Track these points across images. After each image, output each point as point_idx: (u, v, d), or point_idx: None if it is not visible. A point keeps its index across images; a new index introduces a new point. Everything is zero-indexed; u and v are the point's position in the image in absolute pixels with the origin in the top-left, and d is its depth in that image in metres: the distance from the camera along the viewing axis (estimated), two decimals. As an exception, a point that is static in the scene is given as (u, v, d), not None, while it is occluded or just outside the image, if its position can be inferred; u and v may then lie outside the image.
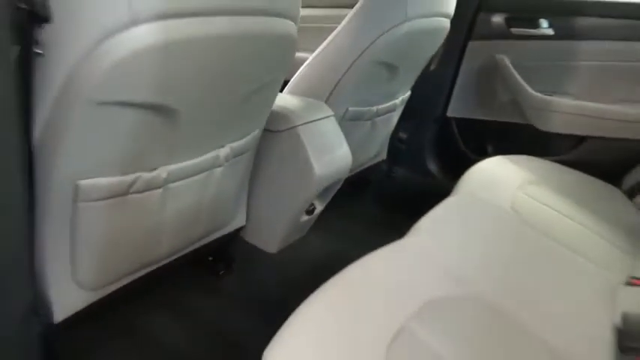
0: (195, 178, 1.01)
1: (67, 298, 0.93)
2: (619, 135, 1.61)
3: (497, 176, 1.38)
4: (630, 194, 1.47)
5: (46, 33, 0.64)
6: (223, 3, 0.77)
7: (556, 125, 1.68)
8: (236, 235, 1.37)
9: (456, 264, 0.94)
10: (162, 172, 0.92)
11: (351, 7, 1.36)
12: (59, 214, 0.82)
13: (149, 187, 0.91)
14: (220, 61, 0.82)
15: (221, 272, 1.37)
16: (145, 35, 0.68)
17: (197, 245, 1.21)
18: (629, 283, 1.05)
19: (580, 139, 1.68)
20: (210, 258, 1.40)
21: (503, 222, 1.16)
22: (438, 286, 0.87)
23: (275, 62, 0.97)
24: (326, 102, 1.40)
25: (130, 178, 0.86)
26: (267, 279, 1.39)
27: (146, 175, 0.89)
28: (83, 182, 0.80)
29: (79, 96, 0.70)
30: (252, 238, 1.40)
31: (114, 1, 0.65)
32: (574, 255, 1.10)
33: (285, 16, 0.91)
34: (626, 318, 0.90)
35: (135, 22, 0.67)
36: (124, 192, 0.87)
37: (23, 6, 0.57)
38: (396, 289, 0.84)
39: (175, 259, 1.17)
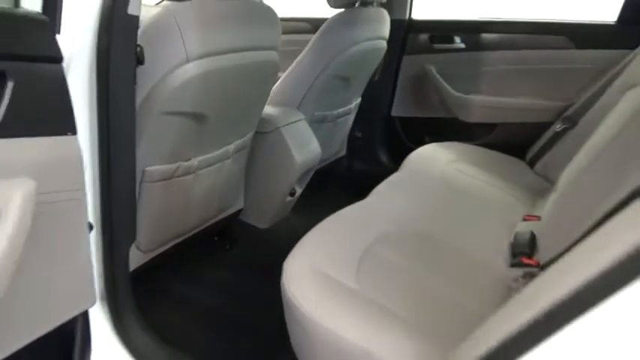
0: (214, 166, 1.39)
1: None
2: (521, 120, 2.10)
3: (431, 157, 1.83)
4: (531, 164, 1.96)
5: (139, 69, 1.02)
6: (237, 44, 1.17)
7: (474, 116, 2.16)
8: (236, 217, 1.75)
9: (401, 211, 1.37)
10: (194, 162, 1.30)
11: (313, 32, 1.79)
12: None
13: (186, 172, 1.29)
14: (236, 82, 1.22)
15: (227, 247, 1.75)
16: (193, 68, 1.07)
17: (211, 222, 1.59)
18: (524, 219, 1.51)
19: (493, 126, 2.16)
20: (216, 238, 1.77)
21: (434, 186, 1.60)
22: (390, 224, 1.29)
23: (266, 81, 1.38)
24: (297, 108, 1.81)
25: (174, 165, 1.24)
26: (262, 249, 1.77)
27: (184, 164, 1.27)
28: (149, 168, 1.17)
29: (152, 108, 1.08)
30: (249, 217, 1.78)
31: (176, 49, 1.04)
32: (486, 204, 1.55)
33: (272, 49, 1.32)
34: (515, 235, 1.35)
35: (188, 61, 1.06)
36: (170, 176, 1.25)
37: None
38: (363, 226, 1.25)
39: (194, 235, 1.54)
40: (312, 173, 1.83)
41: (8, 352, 0.63)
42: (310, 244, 1.13)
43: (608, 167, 1.14)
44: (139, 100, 1.06)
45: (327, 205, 1.76)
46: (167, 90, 1.06)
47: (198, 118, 1.19)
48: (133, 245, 1.29)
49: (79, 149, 0.69)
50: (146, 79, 1.04)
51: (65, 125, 0.66)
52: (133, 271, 1.32)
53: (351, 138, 2.34)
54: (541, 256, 1.22)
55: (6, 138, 0.57)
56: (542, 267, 1.02)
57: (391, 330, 0.91)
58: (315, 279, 1.02)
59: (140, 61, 0.98)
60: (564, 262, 0.70)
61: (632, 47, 1.75)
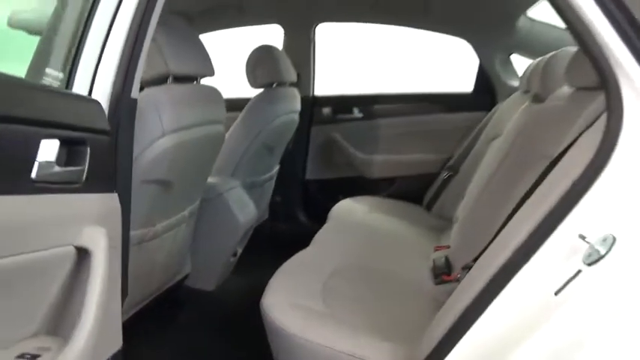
0: (173, 231, 1.52)
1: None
2: (415, 172, 2.52)
3: (350, 209, 2.15)
4: (427, 207, 2.36)
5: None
6: (198, 119, 1.38)
7: (377, 173, 2.54)
8: (183, 282, 1.85)
9: (343, 251, 1.62)
10: (159, 227, 1.42)
11: (240, 109, 2.05)
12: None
13: (154, 237, 1.40)
14: (197, 152, 1.41)
15: (176, 311, 1.82)
16: (168, 141, 1.25)
17: (165, 288, 1.67)
18: (435, 249, 1.84)
19: (393, 180, 2.56)
20: (167, 305, 1.83)
21: (360, 230, 1.90)
22: (337, 262, 1.53)
23: (217, 150, 1.59)
24: (231, 175, 2.01)
25: (145, 230, 1.36)
26: (212, 309, 1.87)
27: (152, 229, 1.39)
28: (126, 233, 1.28)
29: (134, 176, 1.22)
30: (195, 281, 1.88)
31: (155, 125, 1.21)
32: (403, 241, 1.88)
33: (220, 122, 1.54)
34: (434, 261, 1.66)
35: (164, 134, 1.24)
36: (142, 240, 1.36)
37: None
38: (317, 265, 1.47)
39: (150, 301, 1.61)
40: (250, 234, 2.01)
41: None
42: (279, 284, 1.32)
43: (496, 193, 1.52)
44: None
45: (260, 263, 1.96)
46: (147, 160, 1.22)
47: (167, 185, 1.35)
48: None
49: (119, 204, 0.83)
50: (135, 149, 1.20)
51: (113, 184, 0.81)
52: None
53: (272, 202, 2.57)
54: (456, 272, 1.54)
55: (89, 193, 0.70)
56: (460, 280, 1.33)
57: (366, 337, 1.12)
58: (292, 308, 1.21)
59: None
60: (475, 266, 1.01)
61: (487, 109, 2.28)
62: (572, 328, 0.81)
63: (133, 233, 1.29)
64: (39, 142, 0.66)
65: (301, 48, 2.52)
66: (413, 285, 1.53)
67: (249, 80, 2.05)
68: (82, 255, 0.70)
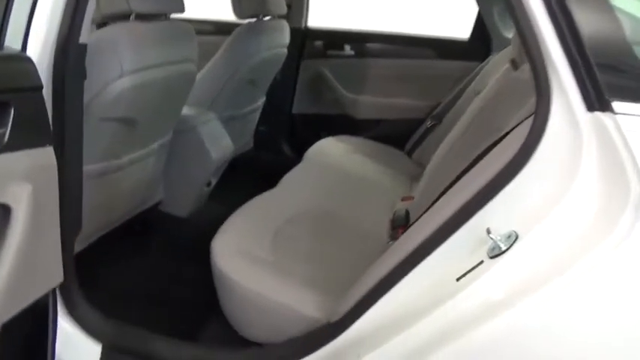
0: (141, 163, 1.57)
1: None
2: (400, 117, 2.50)
3: (328, 149, 2.16)
4: (409, 154, 2.37)
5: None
6: (162, 59, 1.37)
7: (362, 113, 2.53)
8: (156, 207, 1.93)
9: (306, 196, 1.67)
10: (124, 160, 1.47)
11: (215, 34, 2.00)
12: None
13: (117, 169, 1.46)
14: (161, 91, 1.42)
15: (148, 234, 1.92)
16: (127, 81, 1.26)
17: (134, 213, 1.75)
18: (402, 200, 1.89)
19: (377, 122, 2.55)
20: (139, 228, 1.93)
21: (331, 173, 1.93)
22: (298, 207, 1.58)
23: (185, 89, 1.59)
24: (208, 108, 2.02)
25: (107, 164, 1.41)
26: (183, 235, 1.97)
27: (115, 162, 1.44)
28: (85, 167, 1.33)
29: (91, 115, 1.24)
30: (168, 207, 1.96)
31: (114, 66, 1.21)
32: (374, 187, 1.91)
33: (190, 61, 1.53)
34: (395, 212, 1.71)
35: (122, 75, 1.24)
36: (104, 173, 1.41)
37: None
38: (275, 210, 1.53)
39: (119, 226, 1.70)
40: (225, 165, 2.06)
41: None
42: (232, 227, 1.39)
43: (458, 154, 1.53)
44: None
45: (240, 192, 2.01)
46: (104, 100, 1.24)
47: (129, 122, 1.38)
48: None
49: (54, 157, 0.87)
50: (87, 91, 1.21)
51: (46, 138, 0.84)
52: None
53: (257, 132, 2.59)
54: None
55: (14, 151, 0.74)
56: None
57: (299, 288, 1.20)
58: (239, 254, 1.28)
59: (84, 76, 1.15)
60: (404, 236, 1.05)
61: (481, 60, 2.21)
62: (467, 314, 0.86)
63: (92, 167, 1.34)
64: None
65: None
66: (369, 237, 1.58)
67: (234, 11, 1.98)
68: (6, 211, 0.75)
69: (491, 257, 0.84)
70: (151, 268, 1.77)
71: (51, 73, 0.96)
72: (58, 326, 1.13)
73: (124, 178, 1.52)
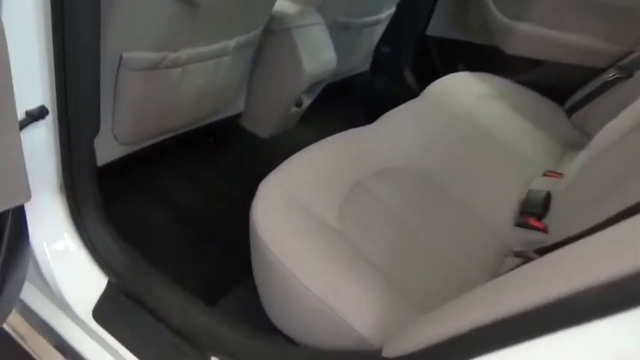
0: (208, 62, 1.24)
1: (105, 148, 1.19)
2: (568, 61, 1.84)
3: (459, 87, 1.63)
4: (569, 113, 1.75)
5: None
6: None
7: (517, 48, 1.90)
8: (234, 121, 1.63)
9: (408, 144, 1.22)
10: (182, 54, 1.15)
11: None
12: (107, 80, 1.06)
13: (173, 64, 1.14)
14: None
15: (222, 150, 1.65)
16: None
17: (204, 122, 1.47)
18: (545, 175, 1.35)
19: (536, 63, 1.92)
20: (212, 139, 1.66)
21: (453, 121, 1.43)
22: (392, 158, 1.15)
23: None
24: (318, 9, 1.60)
25: (159, 55, 1.10)
26: (259, 159, 1.67)
27: (171, 55, 1.12)
28: (126, 54, 1.03)
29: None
30: (248, 124, 1.66)
31: None
32: (507, 151, 1.39)
33: None
34: (529, 192, 1.21)
35: None
36: (155, 66, 1.11)
37: None
38: (361, 154, 1.12)
39: (187, 132, 1.43)
40: (323, 85, 1.67)
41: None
42: (294, 167, 1.01)
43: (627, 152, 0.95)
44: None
45: (339, 122, 1.63)
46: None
47: (188, 3, 1.03)
48: (111, 136, 1.20)
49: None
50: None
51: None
52: (110, 163, 1.24)
53: (377, 53, 2.13)
54: (550, 221, 1.08)
55: None
56: (541, 252, 0.87)
57: (364, 288, 0.80)
58: (289, 209, 0.91)
59: None
60: (554, 263, 0.57)
61: None
62: None
63: (133, 55, 1.04)
64: None
65: None
66: (483, 218, 1.11)
67: None
68: None
69: None
70: (209, 189, 1.51)
71: None
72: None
73: (183, 78, 1.20)
